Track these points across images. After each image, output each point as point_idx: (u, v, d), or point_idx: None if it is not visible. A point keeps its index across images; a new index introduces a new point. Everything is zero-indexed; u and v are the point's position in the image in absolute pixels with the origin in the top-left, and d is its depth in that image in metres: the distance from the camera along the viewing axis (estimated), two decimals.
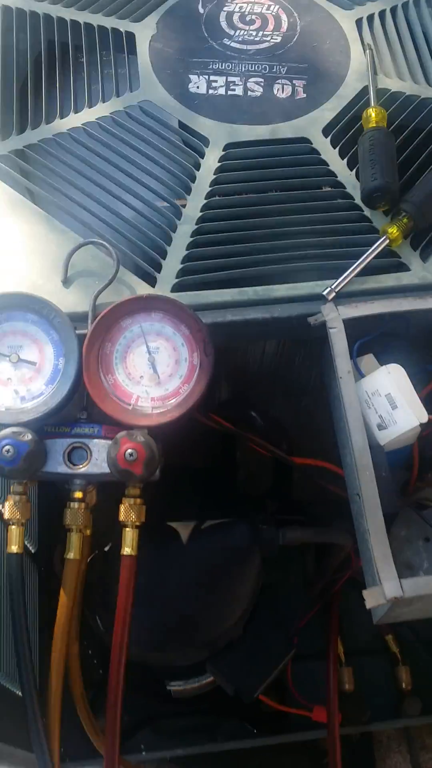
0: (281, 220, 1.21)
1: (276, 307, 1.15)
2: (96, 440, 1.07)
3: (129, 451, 1.00)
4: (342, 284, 1.09)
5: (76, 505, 1.08)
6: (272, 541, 1.24)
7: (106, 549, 1.24)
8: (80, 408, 1.12)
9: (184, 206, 1.24)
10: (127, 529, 1.06)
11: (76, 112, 1.32)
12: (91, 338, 1.07)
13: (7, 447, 0.99)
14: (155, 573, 1.19)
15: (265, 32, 1.40)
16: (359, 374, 1.10)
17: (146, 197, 1.24)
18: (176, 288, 1.16)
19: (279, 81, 1.33)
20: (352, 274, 1.10)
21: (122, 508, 1.06)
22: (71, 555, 1.07)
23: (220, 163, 1.28)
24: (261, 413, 1.30)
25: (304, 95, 1.31)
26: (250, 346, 1.28)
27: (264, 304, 1.15)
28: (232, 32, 1.38)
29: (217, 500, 1.33)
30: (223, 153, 1.29)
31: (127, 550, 1.05)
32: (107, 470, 1.06)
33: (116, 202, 1.24)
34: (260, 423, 1.29)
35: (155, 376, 1.08)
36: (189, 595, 1.20)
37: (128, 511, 1.06)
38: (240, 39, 1.39)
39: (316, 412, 1.26)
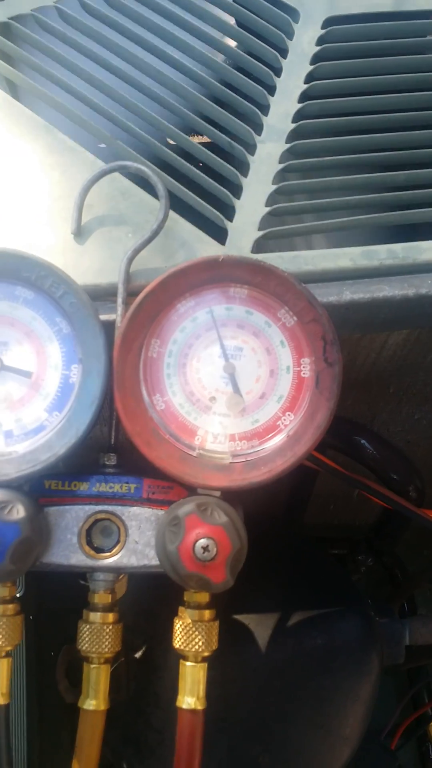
0: (421, 136, 0.75)
1: (425, 279, 0.69)
2: (134, 508, 0.62)
3: (202, 542, 0.55)
4: None
5: (98, 617, 0.63)
6: (397, 641, 0.79)
7: (138, 655, 0.79)
8: (105, 447, 0.66)
9: (264, 114, 0.77)
10: (188, 664, 0.61)
11: None
12: (128, 333, 0.61)
13: None
14: (222, 696, 0.75)
15: None
16: None
17: (205, 102, 0.76)
18: (258, 246, 0.71)
19: None
20: None
21: (179, 626, 0.61)
22: (93, 704, 0.63)
23: (317, 48, 0.81)
24: (374, 438, 0.85)
25: None
26: (365, 337, 0.82)
27: (404, 272, 0.69)
28: None
29: (298, 562, 0.88)
30: (323, 32, 0.82)
31: (189, 702, 0.61)
32: (155, 562, 0.61)
33: (155, 104, 0.76)
34: (373, 454, 0.83)
35: (236, 397, 0.62)
36: (274, 730, 0.76)
37: (190, 635, 0.61)
38: None
39: None
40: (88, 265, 0.69)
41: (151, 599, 0.81)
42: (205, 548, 0.55)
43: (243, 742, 0.78)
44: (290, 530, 1.05)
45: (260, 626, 0.80)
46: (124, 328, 0.61)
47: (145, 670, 0.80)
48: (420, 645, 0.82)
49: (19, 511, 0.56)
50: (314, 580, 0.88)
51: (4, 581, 0.60)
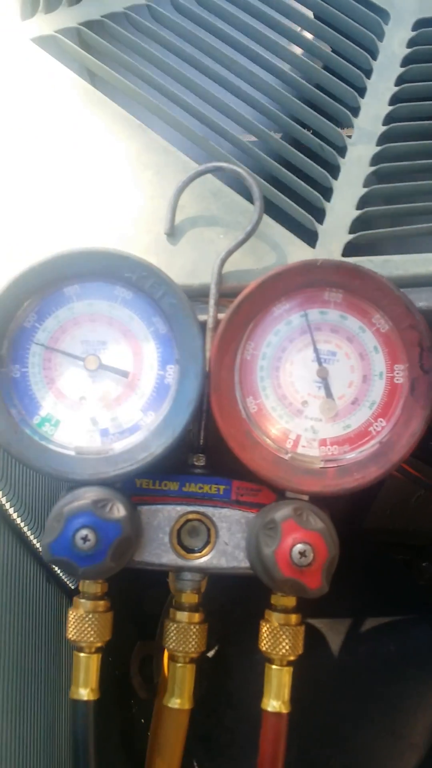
0: None
1: None
2: (225, 509, 0.62)
3: (300, 548, 0.55)
4: None
5: (185, 617, 0.63)
6: None
7: (211, 654, 0.80)
8: (193, 448, 0.66)
9: (355, 116, 0.76)
10: (274, 667, 0.61)
11: None
12: (226, 335, 0.61)
13: (83, 532, 0.55)
14: (294, 699, 0.75)
15: None
16: None
17: (295, 103, 0.76)
18: (349, 249, 0.71)
19: None
20: None
21: (265, 629, 0.62)
22: (177, 703, 0.63)
23: (408, 50, 0.80)
24: None
25: None
26: None
27: None
28: None
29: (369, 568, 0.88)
30: (413, 34, 0.81)
31: (274, 705, 0.61)
32: (245, 564, 0.61)
33: (245, 105, 0.76)
34: None
35: (330, 402, 0.62)
36: (345, 734, 0.76)
37: (277, 638, 0.61)
38: None
39: None
40: (180, 265, 0.69)
41: (223, 599, 0.81)
42: (303, 554, 0.56)
43: (314, 745, 0.78)
44: (354, 534, 1.05)
45: (332, 631, 0.80)
46: (222, 330, 0.61)
47: (218, 669, 0.80)
48: None
49: (119, 510, 0.57)
50: (384, 586, 0.87)
51: (103, 578, 0.60)
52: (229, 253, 0.67)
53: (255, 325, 0.63)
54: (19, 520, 0.73)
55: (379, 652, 0.79)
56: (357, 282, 0.62)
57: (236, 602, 0.73)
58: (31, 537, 0.77)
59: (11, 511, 0.72)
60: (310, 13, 0.84)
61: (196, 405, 0.60)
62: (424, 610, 0.83)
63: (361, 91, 0.79)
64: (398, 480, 1.01)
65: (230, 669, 0.80)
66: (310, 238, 0.72)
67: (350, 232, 0.71)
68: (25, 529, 0.76)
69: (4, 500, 0.70)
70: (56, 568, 0.92)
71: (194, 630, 0.64)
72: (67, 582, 0.98)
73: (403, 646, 0.79)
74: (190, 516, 0.63)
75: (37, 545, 0.81)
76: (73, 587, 1.02)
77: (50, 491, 0.79)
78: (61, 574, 0.95)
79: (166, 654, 0.78)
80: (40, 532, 0.80)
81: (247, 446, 0.61)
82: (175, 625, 0.64)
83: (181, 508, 0.63)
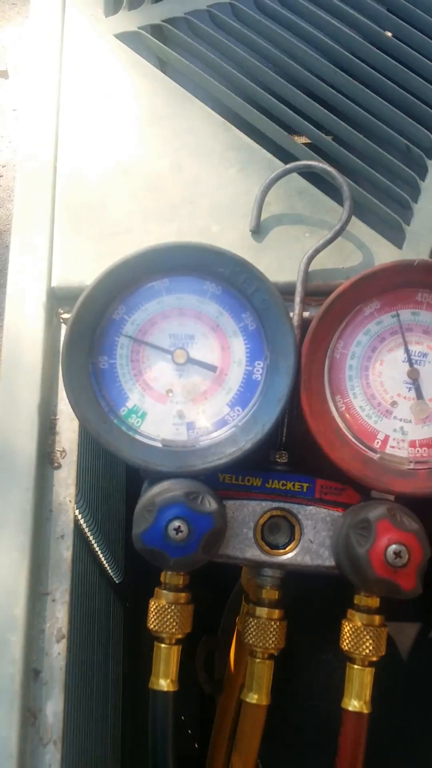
0: None
1: None
2: (310, 507, 0.62)
3: (395, 548, 0.54)
4: None
5: (264, 612, 0.63)
6: None
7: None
8: (275, 445, 0.66)
9: None
10: (356, 667, 0.61)
11: None
12: (318, 333, 0.61)
13: (176, 523, 0.55)
14: None
15: None
16: None
17: (381, 103, 0.76)
18: None
19: None
20: None
21: (348, 628, 0.61)
22: (255, 698, 0.63)
23: None
24: None
25: None
26: None
27: None
28: None
29: None
30: None
31: (356, 704, 0.61)
32: (329, 563, 0.60)
33: (332, 109, 0.76)
34: None
35: (422, 404, 0.61)
36: (414, 742, 0.75)
37: (360, 638, 0.60)
38: None
39: None
40: (266, 263, 0.69)
41: (289, 597, 0.81)
42: (398, 554, 0.55)
43: (378, 752, 0.77)
44: None
45: (401, 635, 0.80)
46: (314, 328, 0.61)
47: (282, 667, 0.80)
48: None
49: (210, 503, 0.57)
50: None
51: (192, 569, 0.61)
52: (317, 251, 0.67)
53: (346, 324, 0.63)
54: (77, 513, 0.74)
55: None
56: None
57: (301, 602, 0.73)
58: (85, 528, 0.78)
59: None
60: (393, 16, 0.83)
61: (286, 401, 0.60)
62: None
63: None
64: None
65: (296, 668, 0.79)
66: (397, 238, 0.71)
67: None
68: (82, 522, 0.76)
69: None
70: (104, 561, 0.93)
71: (274, 626, 0.63)
72: (113, 576, 0.99)
73: None
74: (275, 512, 0.62)
75: (90, 537, 0.82)
76: (118, 581, 1.03)
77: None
78: (107, 568, 0.95)
79: (232, 650, 0.78)
80: (94, 522, 0.81)
81: (337, 445, 0.61)
82: (255, 621, 0.63)
83: (266, 504, 0.62)
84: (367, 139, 0.75)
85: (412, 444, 0.62)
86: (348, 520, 0.59)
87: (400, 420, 0.63)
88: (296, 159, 0.73)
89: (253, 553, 0.62)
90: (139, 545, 0.56)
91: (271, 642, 0.63)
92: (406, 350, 0.63)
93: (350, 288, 0.61)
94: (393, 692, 0.78)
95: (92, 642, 0.83)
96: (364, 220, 0.71)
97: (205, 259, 0.61)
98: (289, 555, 0.62)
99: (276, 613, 0.64)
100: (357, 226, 0.71)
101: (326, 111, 0.76)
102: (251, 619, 0.64)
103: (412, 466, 0.62)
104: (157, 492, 0.58)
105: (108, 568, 0.96)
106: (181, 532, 0.55)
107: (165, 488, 0.58)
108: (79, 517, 0.74)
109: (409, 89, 0.78)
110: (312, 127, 0.75)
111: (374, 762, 0.76)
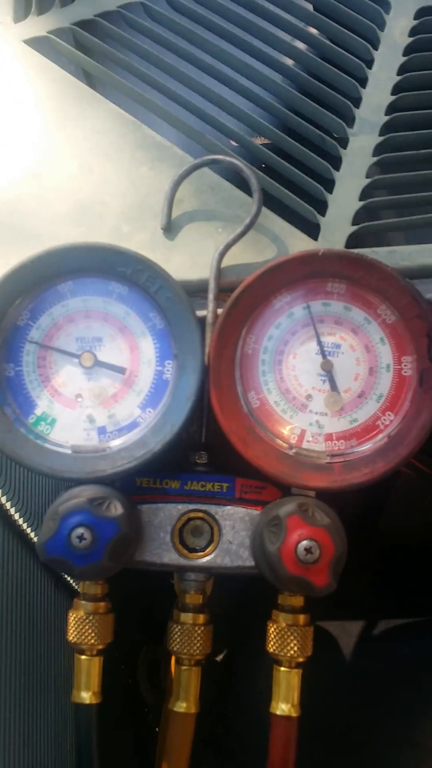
0: None
1: None
2: (228, 507, 0.61)
3: (305, 544, 0.53)
4: None
5: (189, 618, 0.61)
6: None
7: (219, 659, 0.78)
8: (195, 446, 0.65)
9: (356, 106, 0.75)
10: (282, 669, 0.59)
11: None
12: (225, 328, 0.59)
13: (79, 531, 0.53)
14: (306, 705, 0.73)
15: None
16: None
17: (295, 95, 0.75)
18: (353, 241, 0.69)
19: None
20: None
21: (273, 629, 0.60)
22: (183, 707, 0.61)
23: (410, 39, 0.78)
24: None
25: None
26: None
27: None
28: None
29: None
30: (416, 23, 0.80)
31: (283, 708, 0.59)
32: (249, 563, 0.59)
33: (243, 99, 0.75)
34: None
35: (335, 395, 0.60)
36: (359, 741, 0.74)
37: (285, 639, 0.59)
38: None
39: None
40: (178, 260, 0.68)
41: (230, 603, 0.79)
42: (308, 550, 0.54)
43: (326, 752, 0.76)
44: (367, 537, 1.02)
45: (344, 633, 0.78)
46: (221, 324, 0.60)
47: (226, 674, 0.78)
48: None
49: (116, 508, 0.56)
50: (398, 588, 0.85)
51: (101, 578, 0.59)
52: (228, 246, 0.66)
53: (255, 318, 0.61)
54: (21, 521, 0.72)
55: (392, 655, 0.76)
56: (361, 272, 0.61)
57: (244, 606, 0.71)
58: (34, 539, 0.76)
59: (13, 512, 0.71)
60: (309, 6, 0.83)
61: (195, 400, 0.59)
62: None
63: (363, 82, 0.78)
64: (411, 480, 0.99)
65: (239, 674, 0.78)
66: (312, 230, 0.70)
67: (353, 224, 0.70)
68: (29, 531, 0.74)
69: (4, 500, 0.68)
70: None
71: (199, 632, 0.62)
72: (74, 585, 0.96)
73: (416, 650, 0.76)
74: (192, 514, 0.61)
75: (24, 526, 0.79)
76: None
77: (52, 491, 0.78)
78: (67, 577, 0.93)
79: (173, 658, 0.76)
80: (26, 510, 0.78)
81: (250, 442, 0.60)
82: (179, 627, 0.62)
83: (182, 507, 0.61)
84: (280, 131, 0.74)
85: (329, 437, 0.61)
86: (262, 518, 0.58)
87: (316, 413, 0.61)
88: (209, 155, 0.72)
89: (171, 557, 0.60)
90: (44, 555, 0.55)
91: (196, 648, 0.62)
92: (319, 342, 0.62)
93: (255, 282, 0.60)
94: (337, 692, 0.77)
95: (43, 653, 0.80)
96: (278, 213, 0.70)
97: (106, 258, 0.60)
98: (208, 557, 0.60)
99: (201, 618, 0.63)
100: (271, 220, 0.70)
101: (240, 106, 0.75)
102: (176, 626, 0.62)
103: (328, 459, 0.60)
104: (62, 500, 0.56)
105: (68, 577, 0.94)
106: (85, 539, 0.53)
107: (70, 495, 0.56)
108: (21, 522, 0.72)
109: (322, 79, 0.77)
110: (224, 122, 0.74)
111: (313, 762, 0.74)
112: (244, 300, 0.60)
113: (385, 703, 0.76)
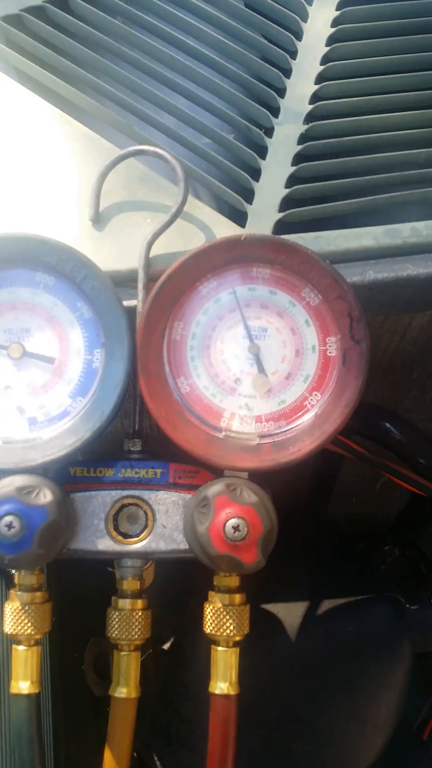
0: None
1: None
2: (161, 492, 0.61)
3: (233, 522, 0.54)
4: None
5: (128, 604, 0.62)
6: (429, 627, 0.78)
7: (166, 647, 0.78)
8: (129, 433, 0.65)
9: (281, 96, 0.76)
10: (220, 649, 0.60)
11: None
12: (151, 315, 0.60)
13: (8, 519, 0.53)
14: (253, 686, 0.74)
15: None
16: None
17: (220, 86, 0.76)
18: (280, 228, 0.70)
19: None
20: None
21: (209, 610, 0.61)
22: (124, 692, 0.62)
23: (333, 29, 0.80)
24: (400, 423, 0.83)
25: None
26: (389, 319, 0.81)
27: (429, 250, 0.69)
28: None
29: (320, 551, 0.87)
30: (337, 14, 0.81)
31: (222, 687, 0.60)
32: (183, 546, 0.60)
33: (168, 90, 0.76)
34: (399, 439, 0.82)
35: (262, 377, 0.61)
36: (306, 719, 0.75)
37: (221, 619, 0.60)
38: None
39: None
40: (107, 251, 0.68)
41: (177, 590, 0.80)
42: (236, 528, 0.55)
43: (275, 732, 0.77)
44: (316, 524, 1.04)
45: (289, 615, 0.79)
46: (147, 310, 0.60)
47: (174, 661, 0.79)
48: None
49: (46, 495, 0.56)
50: (342, 567, 0.87)
51: (33, 567, 0.59)
52: (156, 235, 0.67)
53: (182, 304, 0.62)
54: None
55: (336, 633, 0.78)
56: (283, 256, 0.62)
57: (191, 593, 0.72)
58: None
59: None
60: None
61: (123, 387, 0.59)
62: (382, 589, 0.82)
63: (287, 72, 0.79)
64: (361, 467, 1.01)
65: (186, 661, 0.78)
66: (239, 218, 0.71)
67: (280, 211, 0.71)
68: None
69: None
70: None
71: (137, 617, 0.62)
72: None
73: (361, 627, 0.78)
74: (126, 501, 0.62)
75: None
76: None
77: None
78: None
79: None
80: None
81: (180, 427, 0.60)
82: (118, 613, 0.62)
83: (115, 493, 0.62)
84: (206, 122, 0.75)
85: (258, 419, 0.62)
86: (193, 500, 0.59)
87: (245, 396, 0.62)
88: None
89: (106, 544, 0.61)
90: None
91: (135, 633, 0.62)
92: (245, 326, 0.63)
93: (180, 268, 0.61)
94: (283, 672, 0.78)
95: None
96: (206, 202, 0.71)
97: (29, 249, 0.60)
98: (143, 543, 0.61)
99: (139, 603, 0.63)
100: (199, 209, 0.71)
101: (165, 96, 0.76)
102: (114, 612, 0.63)
103: (258, 441, 0.61)
104: None
105: None
106: (14, 527, 0.54)
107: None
108: None
109: (247, 70, 0.79)
110: (149, 112, 0.75)
111: (268, 744, 0.76)
112: (170, 287, 0.61)
113: (331, 681, 0.78)
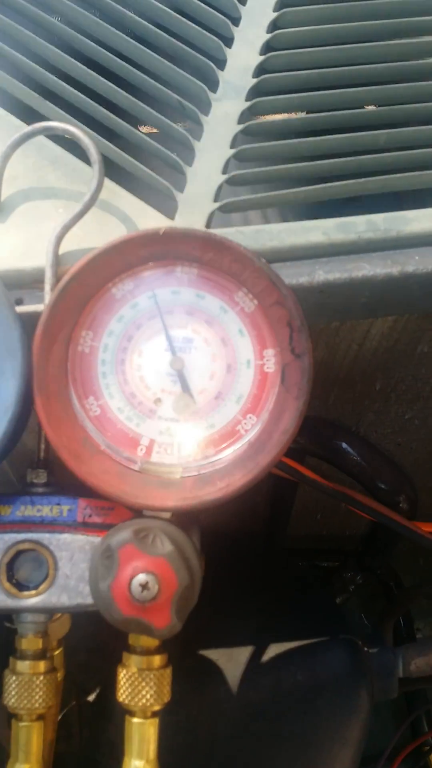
0: (403, 91, 0.64)
1: (411, 255, 0.58)
2: (65, 535, 0.51)
3: (140, 579, 0.44)
4: None
5: (27, 667, 0.52)
6: (389, 673, 0.69)
7: (92, 698, 0.68)
8: (32, 463, 0.55)
9: (221, 68, 0.66)
10: (135, 720, 0.50)
11: None
12: (51, 323, 0.50)
13: None
14: (189, 744, 0.65)
15: None
16: None
17: (150, 55, 0.66)
18: (214, 221, 0.60)
19: None
20: None
21: (122, 675, 0.51)
22: None
23: None
24: (357, 443, 0.74)
25: None
26: (345, 326, 0.71)
27: (387, 247, 0.59)
28: None
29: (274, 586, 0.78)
30: None
31: (137, 765, 0.50)
32: (90, 600, 0.50)
33: (89, 59, 0.65)
34: (357, 460, 0.73)
35: (186, 398, 0.51)
36: None
37: (136, 686, 0.50)
38: None
39: None
40: (9, 246, 0.58)
41: (106, 634, 0.70)
42: (144, 586, 0.45)
43: None
44: (271, 547, 0.94)
45: (231, 662, 0.70)
46: (45, 319, 0.50)
47: (100, 715, 0.69)
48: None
49: None
50: (295, 605, 0.77)
51: None
52: (66, 228, 0.56)
53: (90, 310, 0.52)
54: None
55: (285, 683, 0.69)
56: (211, 253, 0.52)
57: (120, 638, 0.62)
58: None
59: None
60: None
61: (16, 410, 0.49)
62: (337, 631, 0.72)
63: (228, 41, 0.69)
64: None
65: (113, 714, 0.68)
66: (169, 208, 0.61)
67: (215, 200, 0.61)
68: None
69: None
70: None
71: (39, 682, 0.52)
72: None
73: (313, 676, 0.69)
74: (22, 546, 0.51)
75: None
76: None
77: None
78: None
79: None
80: None
81: (85, 458, 0.50)
82: (15, 678, 0.52)
83: (9, 537, 0.51)
84: (131, 96, 0.64)
85: (181, 447, 0.52)
86: (98, 547, 0.49)
87: (167, 420, 0.53)
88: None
89: None
90: None
91: (37, 701, 0.52)
92: (167, 336, 0.53)
93: (85, 268, 0.51)
94: (226, 729, 0.68)
95: None
96: (130, 189, 0.61)
97: None
98: (42, 596, 0.51)
99: (42, 666, 0.53)
100: (122, 197, 0.61)
101: (85, 67, 0.66)
102: (11, 677, 0.52)
103: (181, 473, 0.51)
104: None
105: None
106: None
107: None
108: None
109: (182, 38, 0.68)
110: (68, 86, 0.64)
111: None
112: (74, 289, 0.51)
113: (278, 736, 0.68)
